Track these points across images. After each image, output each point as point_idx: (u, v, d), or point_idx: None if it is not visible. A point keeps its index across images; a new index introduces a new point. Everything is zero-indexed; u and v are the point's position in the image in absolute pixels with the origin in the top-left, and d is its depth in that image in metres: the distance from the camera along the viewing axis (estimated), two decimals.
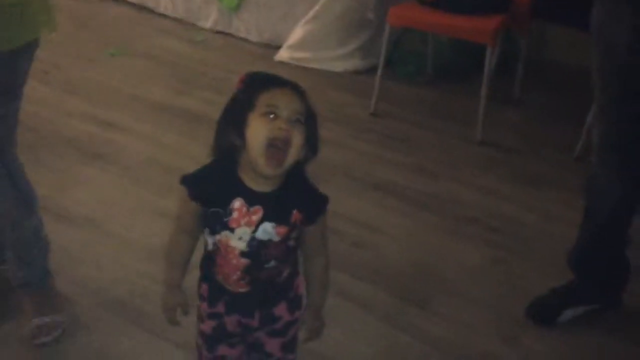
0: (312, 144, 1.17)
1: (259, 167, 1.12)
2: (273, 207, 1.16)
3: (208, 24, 3.87)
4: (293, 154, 1.12)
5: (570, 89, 3.33)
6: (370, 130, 2.96)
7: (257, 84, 1.16)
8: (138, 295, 1.95)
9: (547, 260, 2.19)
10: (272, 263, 1.20)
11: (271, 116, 1.11)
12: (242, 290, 1.23)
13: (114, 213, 2.30)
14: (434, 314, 1.96)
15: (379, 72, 3.03)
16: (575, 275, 1.95)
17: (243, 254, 1.17)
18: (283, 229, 1.17)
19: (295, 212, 1.18)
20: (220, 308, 1.26)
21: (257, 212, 1.15)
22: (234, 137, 1.15)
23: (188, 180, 1.20)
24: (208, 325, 1.30)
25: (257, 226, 1.15)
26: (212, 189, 1.17)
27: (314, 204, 1.21)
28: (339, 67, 3.53)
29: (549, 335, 1.91)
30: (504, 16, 2.91)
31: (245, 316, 1.26)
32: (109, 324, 1.85)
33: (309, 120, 1.15)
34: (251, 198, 1.15)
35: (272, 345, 1.33)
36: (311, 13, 3.53)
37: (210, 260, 1.24)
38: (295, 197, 1.18)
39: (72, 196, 2.37)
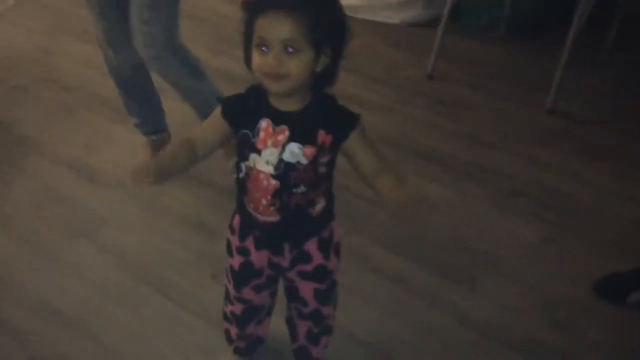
0: (332, 54, 1.09)
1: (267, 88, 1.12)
2: (299, 127, 1.14)
3: None
4: (294, 80, 1.08)
5: None
6: (422, 94, 2.74)
7: (254, 8, 1.08)
8: (162, 262, 1.87)
9: (602, 240, 2.02)
10: (302, 188, 1.17)
11: (263, 49, 1.07)
12: (271, 219, 1.20)
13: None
14: (477, 295, 1.82)
15: (442, 24, 2.67)
16: None
17: (272, 176, 1.16)
18: (310, 150, 1.14)
19: (321, 132, 1.14)
20: (249, 243, 1.26)
21: (283, 132, 1.13)
22: (249, 64, 1.13)
23: (224, 100, 1.20)
24: (236, 261, 1.30)
25: (283, 147, 1.13)
26: (243, 110, 1.17)
27: (342, 122, 1.16)
28: (395, 18, 3.08)
29: (602, 321, 1.75)
30: None
31: (275, 253, 1.26)
32: (132, 291, 1.79)
33: (318, 33, 1.05)
34: (277, 118, 1.14)
35: (306, 290, 1.32)
36: None
37: (242, 188, 1.22)
38: (321, 117, 1.15)
39: (104, 156, 2.31)
